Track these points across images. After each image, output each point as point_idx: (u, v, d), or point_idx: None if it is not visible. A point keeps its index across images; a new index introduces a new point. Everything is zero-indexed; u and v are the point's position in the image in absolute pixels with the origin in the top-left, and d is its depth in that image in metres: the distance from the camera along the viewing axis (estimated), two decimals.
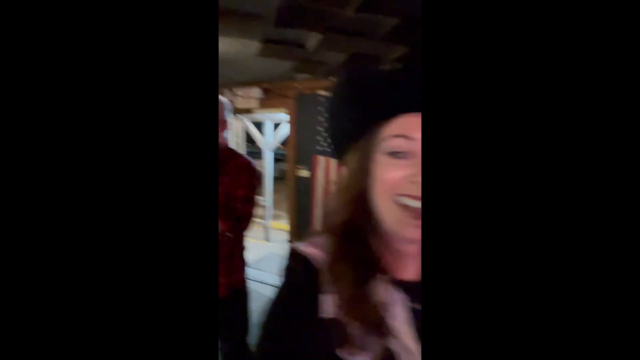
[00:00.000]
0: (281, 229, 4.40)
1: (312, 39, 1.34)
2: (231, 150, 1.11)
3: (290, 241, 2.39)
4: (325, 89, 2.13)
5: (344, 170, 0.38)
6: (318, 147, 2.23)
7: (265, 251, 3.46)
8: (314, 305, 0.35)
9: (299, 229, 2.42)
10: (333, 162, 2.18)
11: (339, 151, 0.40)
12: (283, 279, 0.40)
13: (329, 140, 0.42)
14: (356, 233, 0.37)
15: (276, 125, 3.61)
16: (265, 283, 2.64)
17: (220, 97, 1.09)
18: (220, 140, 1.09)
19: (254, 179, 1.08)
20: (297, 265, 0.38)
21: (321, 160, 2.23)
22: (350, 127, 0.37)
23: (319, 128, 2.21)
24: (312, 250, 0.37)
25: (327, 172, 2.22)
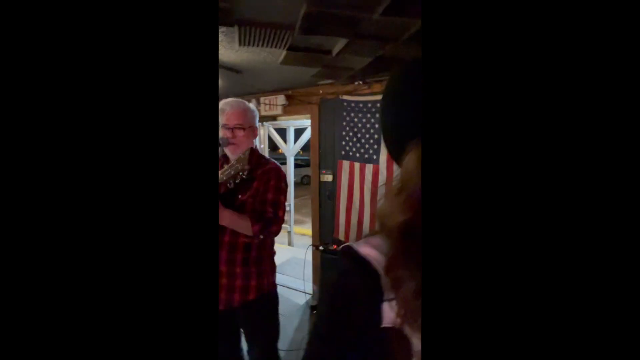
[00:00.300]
0: (303, 234, 4.42)
1: (338, 45, 1.35)
2: (261, 156, 1.14)
3: (315, 246, 2.40)
4: (348, 92, 2.14)
5: (401, 170, 0.36)
6: (342, 152, 2.24)
7: (289, 255, 3.48)
8: (374, 312, 0.32)
9: (322, 234, 2.42)
10: (357, 166, 2.17)
11: (394, 150, 0.38)
12: (338, 282, 0.37)
13: (387, 139, 0.39)
14: (417, 235, 0.33)
15: (298, 131, 3.66)
16: (289, 287, 2.66)
17: (250, 104, 1.13)
18: (251, 146, 1.12)
19: (282, 182, 1.10)
20: (352, 267, 0.35)
21: (345, 164, 2.23)
22: (406, 125, 0.35)
23: (342, 132, 2.21)
24: (369, 251, 0.35)
25: (351, 176, 2.21)
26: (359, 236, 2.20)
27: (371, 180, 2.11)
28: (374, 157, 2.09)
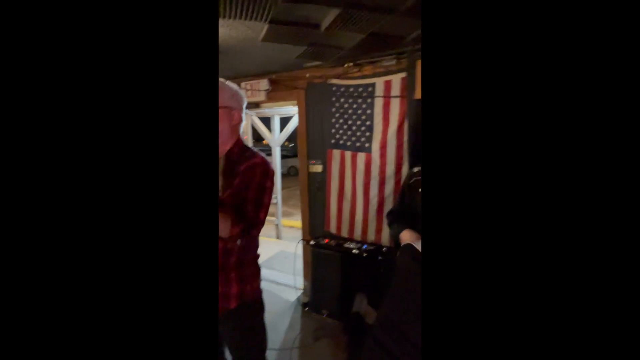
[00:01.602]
0: (291, 226, 4.30)
1: (327, 17, 1.20)
2: (245, 147, 0.97)
3: (306, 240, 2.28)
4: (337, 76, 1.99)
5: None
6: (332, 140, 2.10)
7: (277, 249, 3.36)
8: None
9: (313, 227, 2.31)
10: (348, 155, 2.04)
11: None
12: (398, 277, 0.38)
13: None
14: None
15: (283, 121, 3.49)
16: (278, 283, 2.55)
17: (229, 82, 0.95)
18: (236, 138, 0.95)
19: (268, 180, 0.93)
20: (413, 266, 0.37)
21: (336, 153, 2.10)
22: None
23: (332, 120, 2.07)
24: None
25: (342, 166, 2.09)
26: (351, 228, 2.10)
27: (364, 170, 2.00)
28: (366, 145, 1.97)
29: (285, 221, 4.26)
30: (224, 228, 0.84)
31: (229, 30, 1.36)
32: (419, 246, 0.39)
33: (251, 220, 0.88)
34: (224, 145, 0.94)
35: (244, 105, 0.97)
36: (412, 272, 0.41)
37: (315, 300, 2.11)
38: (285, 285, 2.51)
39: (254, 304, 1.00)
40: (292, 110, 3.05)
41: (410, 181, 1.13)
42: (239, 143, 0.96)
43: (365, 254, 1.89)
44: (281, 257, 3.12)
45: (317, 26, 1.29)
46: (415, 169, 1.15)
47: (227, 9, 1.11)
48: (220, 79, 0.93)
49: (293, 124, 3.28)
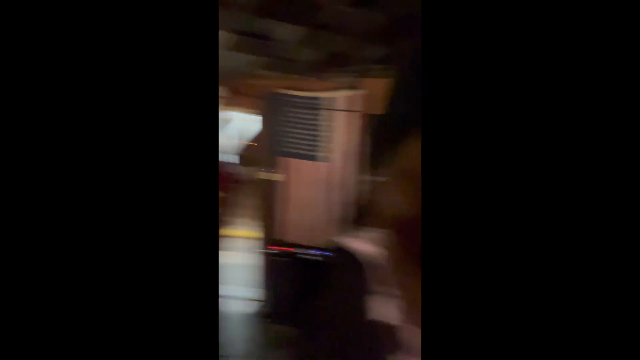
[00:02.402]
0: (241, 237, 4.15)
1: (295, 34, 1.25)
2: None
3: (260, 249, 2.25)
4: (295, 87, 2.05)
5: (409, 159, 0.36)
6: (287, 149, 2.13)
7: (227, 260, 3.22)
8: (363, 306, 0.34)
9: (266, 236, 2.29)
10: (304, 164, 2.10)
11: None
12: (329, 277, 0.40)
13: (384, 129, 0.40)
14: (415, 228, 0.33)
15: (240, 127, 3.39)
16: (226, 297, 2.45)
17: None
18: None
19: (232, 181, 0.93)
20: (342, 262, 0.37)
21: (291, 162, 2.13)
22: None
23: (288, 129, 2.11)
24: (361, 245, 0.36)
25: (297, 174, 2.13)
26: (305, 237, 2.14)
27: (319, 179, 2.07)
28: (322, 154, 2.05)
29: (237, 231, 4.10)
30: None
31: None
32: (358, 243, 0.40)
33: None
34: None
35: None
36: (334, 271, 0.44)
37: (273, 309, 2.08)
38: (239, 298, 2.43)
39: None
40: (250, 117, 2.99)
41: None
42: None
43: (321, 259, 1.95)
44: (231, 268, 3.00)
45: (281, 40, 1.33)
46: None
47: None
48: None
49: (249, 130, 3.22)
